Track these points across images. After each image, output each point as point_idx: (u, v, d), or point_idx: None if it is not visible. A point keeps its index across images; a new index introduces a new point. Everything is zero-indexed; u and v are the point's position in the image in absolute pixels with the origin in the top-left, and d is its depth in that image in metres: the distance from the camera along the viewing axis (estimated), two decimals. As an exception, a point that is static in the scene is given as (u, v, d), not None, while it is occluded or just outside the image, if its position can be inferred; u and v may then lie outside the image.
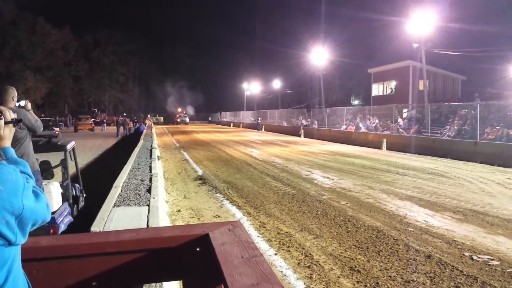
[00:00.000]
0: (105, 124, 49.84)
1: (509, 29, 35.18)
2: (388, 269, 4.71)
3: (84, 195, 7.08)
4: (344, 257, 5.13)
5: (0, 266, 1.14)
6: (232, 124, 62.77)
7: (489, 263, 4.90)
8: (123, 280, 1.49)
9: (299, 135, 33.08)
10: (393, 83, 39.24)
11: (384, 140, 21.54)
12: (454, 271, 4.64)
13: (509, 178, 11.55)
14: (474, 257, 5.09)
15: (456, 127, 21.17)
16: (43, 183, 4.89)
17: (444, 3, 26.42)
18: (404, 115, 29.01)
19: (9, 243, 1.15)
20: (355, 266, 4.80)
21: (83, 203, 6.88)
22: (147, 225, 5.37)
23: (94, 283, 1.44)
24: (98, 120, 56.32)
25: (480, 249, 5.41)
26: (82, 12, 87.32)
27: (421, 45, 24.54)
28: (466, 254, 5.23)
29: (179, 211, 7.61)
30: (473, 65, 34.84)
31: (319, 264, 4.88)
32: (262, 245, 5.60)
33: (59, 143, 6.30)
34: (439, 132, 22.97)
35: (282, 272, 4.65)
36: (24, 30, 58.97)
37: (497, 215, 7.22)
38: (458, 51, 31.88)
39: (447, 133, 21.62)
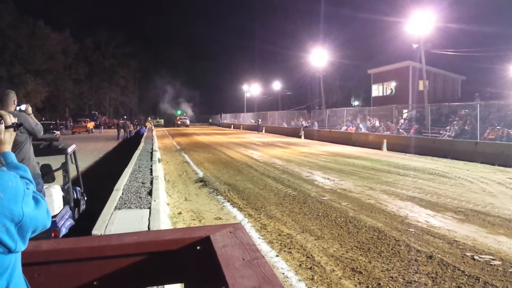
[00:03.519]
0: (102, 127, 52.85)
1: (507, 29, 35.25)
2: (390, 270, 4.70)
3: (85, 198, 7.07)
4: (346, 258, 5.12)
5: (0, 273, 1.14)
6: (232, 126, 62.71)
7: (491, 263, 4.89)
8: (124, 284, 1.49)
9: (300, 137, 33.07)
10: (393, 84, 39.23)
11: (385, 140, 21.53)
12: (456, 271, 4.64)
13: (510, 178, 11.54)
14: (476, 257, 5.08)
15: (456, 127, 21.15)
16: (44, 187, 4.89)
17: (443, 4, 26.46)
18: (404, 115, 28.97)
19: (9, 251, 1.14)
20: (357, 267, 4.79)
21: (84, 206, 6.87)
22: (148, 228, 5.37)
23: (95, 287, 1.44)
24: (98, 123, 57.04)
25: (482, 249, 5.40)
26: (82, 15, 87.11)
27: (420, 45, 24.56)
28: (468, 254, 5.22)
29: (180, 213, 7.60)
30: (473, 65, 34.86)
31: (321, 266, 4.87)
32: (264, 247, 5.60)
33: (60, 147, 6.31)
34: (439, 132, 22.94)
35: (283, 274, 4.65)
36: (24, 34, 59.02)
37: (498, 215, 7.21)
38: (458, 51, 31.91)
39: (447, 133, 21.59)
